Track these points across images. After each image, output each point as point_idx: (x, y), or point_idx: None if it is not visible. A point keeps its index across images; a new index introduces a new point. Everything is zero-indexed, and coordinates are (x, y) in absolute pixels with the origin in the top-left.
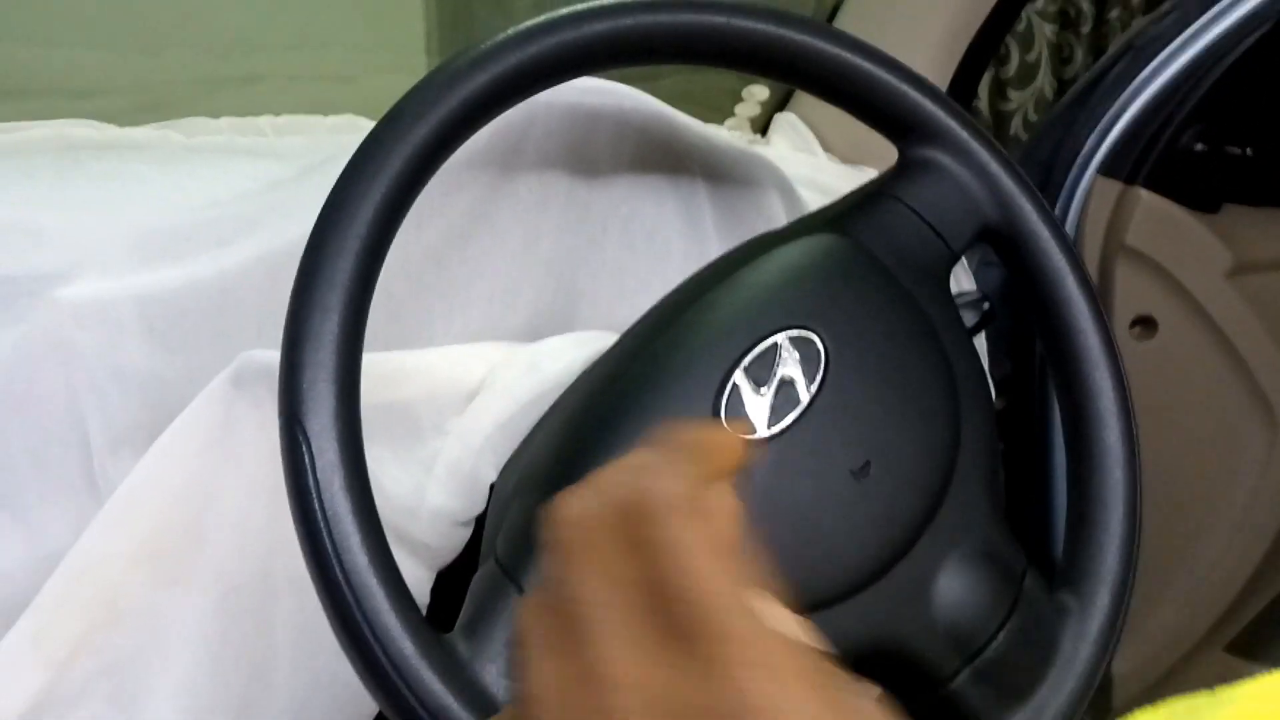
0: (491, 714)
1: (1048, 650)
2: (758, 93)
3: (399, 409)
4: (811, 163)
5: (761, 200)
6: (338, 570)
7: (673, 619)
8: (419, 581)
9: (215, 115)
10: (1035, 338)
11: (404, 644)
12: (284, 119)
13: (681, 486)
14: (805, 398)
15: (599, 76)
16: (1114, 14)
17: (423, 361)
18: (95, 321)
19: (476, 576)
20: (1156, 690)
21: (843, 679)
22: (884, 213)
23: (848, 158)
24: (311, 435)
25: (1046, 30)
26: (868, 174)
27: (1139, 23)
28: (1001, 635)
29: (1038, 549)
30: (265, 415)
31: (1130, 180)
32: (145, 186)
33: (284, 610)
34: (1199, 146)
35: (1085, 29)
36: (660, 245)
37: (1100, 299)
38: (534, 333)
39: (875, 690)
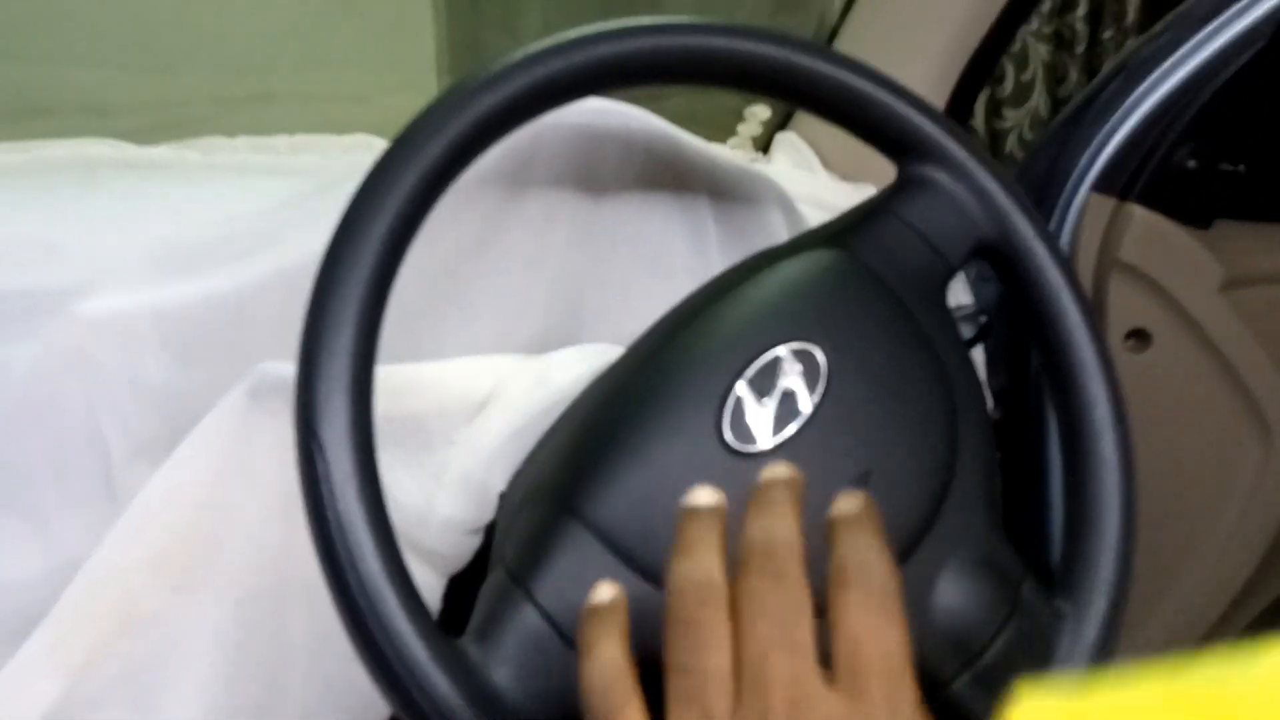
0: (501, 717)
1: (1044, 656)
2: (760, 112)
3: (411, 420)
4: (812, 180)
5: (764, 217)
6: (351, 577)
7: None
8: (431, 588)
9: (231, 134)
10: (1031, 350)
11: (416, 648)
12: (299, 138)
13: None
14: (807, 409)
15: (605, 97)
16: (1108, 35)
17: (434, 374)
18: (113, 335)
19: (486, 583)
20: None
21: None
22: (883, 229)
23: (848, 175)
24: (326, 446)
25: (1041, 51)
26: (867, 191)
27: (1132, 43)
28: (999, 641)
29: (1035, 557)
30: (281, 426)
31: (1124, 196)
32: (163, 203)
33: (299, 617)
34: (1191, 163)
35: (1079, 49)
36: (665, 261)
37: (1095, 313)
38: (542, 346)
39: None
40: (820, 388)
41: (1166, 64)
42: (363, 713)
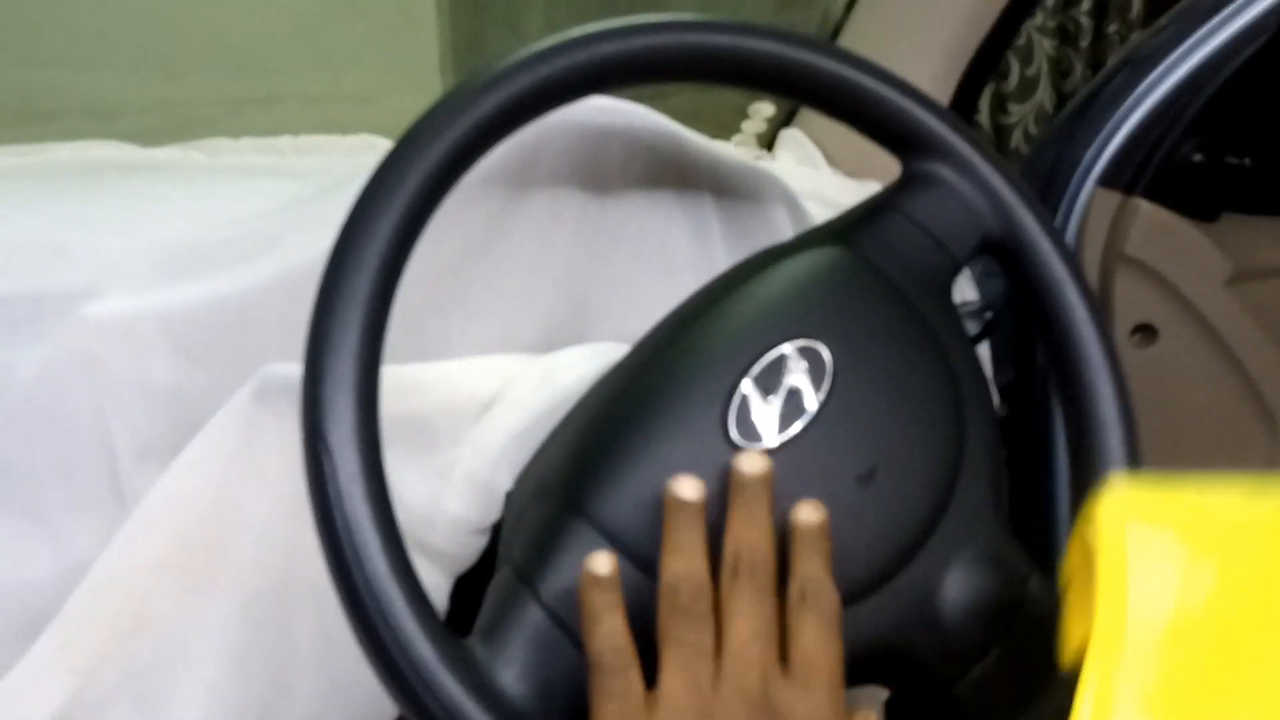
0: (507, 715)
1: (1052, 654)
2: (764, 109)
3: (417, 420)
4: (816, 177)
5: (768, 215)
6: (358, 577)
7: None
8: (437, 587)
9: (236, 136)
10: (1037, 346)
11: (423, 648)
12: (303, 139)
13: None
14: (812, 407)
15: (609, 95)
16: (1113, 28)
17: (440, 374)
18: (120, 337)
19: (493, 582)
20: None
21: None
22: (888, 225)
23: (852, 172)
24: (333, 446)
25: (1046, 45)
26: (872, 188)
27: (1137, 36)
28: (1006, 639)
29: (1041, 553)
30: (287, 427)
31: (1129, 191)
32: (169, 205)
33: (305, 617)
34: (1197, 157)
35: (1084, 44)
36: (670, 259)
37: (1101, 307)
38: (548, 345)
39: (882, 694)
40: (826, 385)
41: (1171, 58)
42: (369, 713)
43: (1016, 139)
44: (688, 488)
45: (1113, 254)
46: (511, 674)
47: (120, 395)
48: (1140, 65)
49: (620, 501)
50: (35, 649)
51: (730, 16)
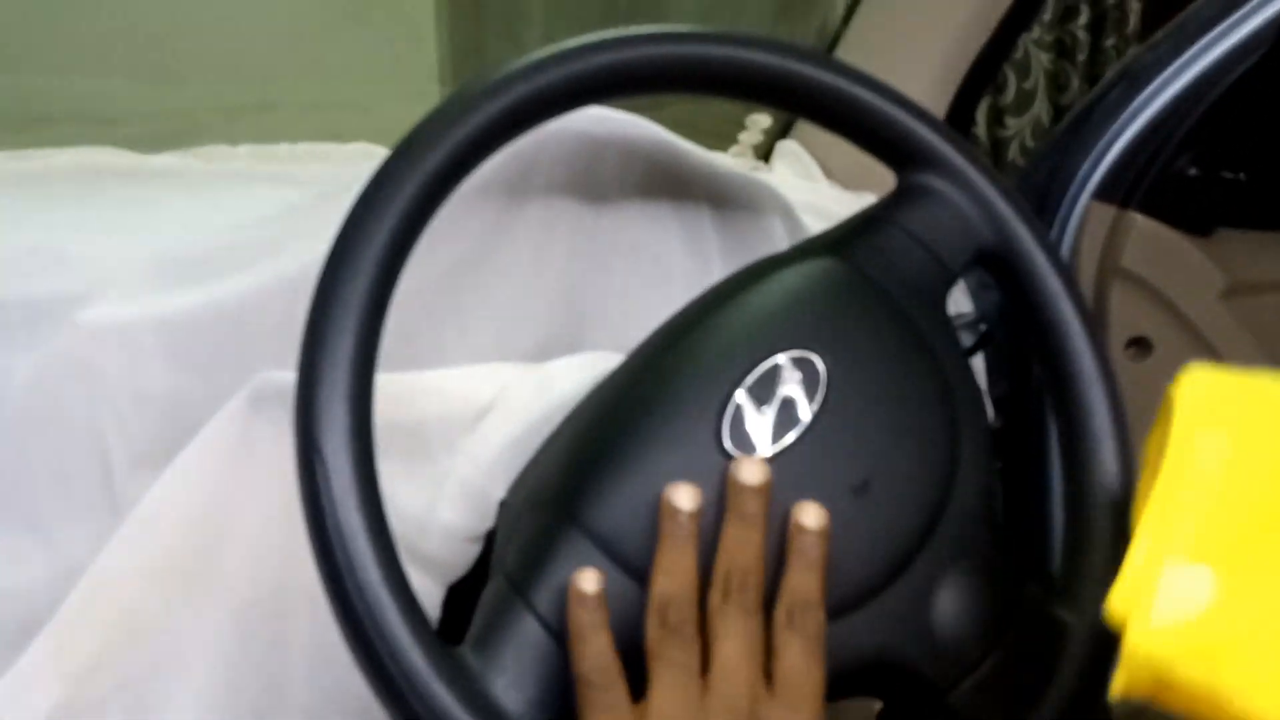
0: None
1: (1046, 664)
2: (760, 121)
3: (411, 428)
4: (813, 189)
5: (764, 225)
6: (351, 586)
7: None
8: (430, 596)
9: (234, 143)
10: (1032, 359)
11: (415, 657)
12: (301, 146)
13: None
14: (806, 417)
15: (606, 105)
16: (1110, 42)
17: (434, 382)
18: (115, 343)
19: (486, 591)
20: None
21: None
22: (883, 237)
23: (848, 184)
24: (326, 454)
25: (1043, 59)
26: (867, 200)
27: (1134, 50)
28: (999, 649)
29: (1035, 565)
30: (281, 434)
31: (1125, 204)
32: (165, 212)
33: (299, 625)
34: (1193, 171)
35: (1081, 57)
36: (665, 270)
37: (1095, 320)
38: (542, 354)
39: (875, 705)
40: (820, 396)
41: (1168, 72)
42: None
43: (1013, 152)
44: (684, 497)
45: (1108, 267)
46: (504, 683)
47: (115, 402)
48: (1136, 79)
49: (614, 511)
50: (27, 655)
51: (728, 27)
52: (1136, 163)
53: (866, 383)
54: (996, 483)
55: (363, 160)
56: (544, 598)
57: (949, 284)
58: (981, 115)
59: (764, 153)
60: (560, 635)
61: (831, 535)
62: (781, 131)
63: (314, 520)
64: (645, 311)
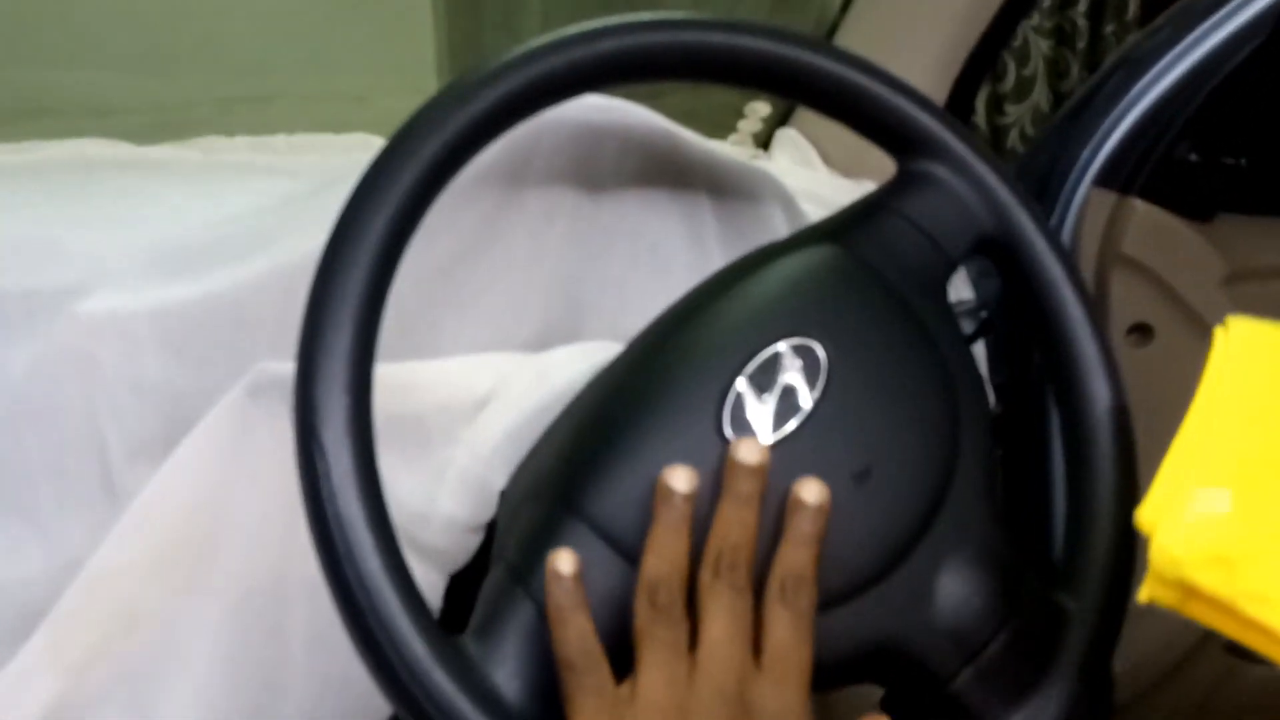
0: (501, 714)
1: (1047, 651)
2: (760, 109)
3: (411, 419)
4: (812, 177)
5: (764, 214)
6: (351, 575)
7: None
8: (431, 585)
9: (231, 134)
10: (1033, 346)
11: (416, 646)
12: (298, 138)
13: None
14: (807, 405)
15: (604, 94)
16: (1109, 29)
17: (434, 372)
18: (113, 335)
19: (487, 580)
20: (1156, 691)
21: None
22: (883, 225)
23: (848, 172)
24: (326, 444)
25: (1043, 46)
26: (867, 187)
27: (1134, 37)
28: (1001, 636)
29: (1036, 552)
30: (280, 425)
31: (1125, 191)
32: (162, 203)
33: (298, 616)
34: (1193, 157)
35: (1081, 44)
36: (664, 258)
37: (1096, 307)
38: (541, 344)
39: (875, 693)
40: (820, 384)
41: (1167, 58)
42: (362, 712)
43: (1013, 139)
44: (680, 479)
45: (1108, 254)
46: (505, 672)
47: (113, 393)
48: (1136, 65)
49: (614, 499)
50: (26, 648)
51: (726, 15)
52: (1137, 149)
53: (867, 370)
54: (997, 470)
55: (360, 151)
56: (545, 587)
57: (950, 271)
58: (981, 103)
59: (763, 141)
60: None
61: (831, 517)
62: (781, 119)
63: (314, 510)
64: (644, 300)
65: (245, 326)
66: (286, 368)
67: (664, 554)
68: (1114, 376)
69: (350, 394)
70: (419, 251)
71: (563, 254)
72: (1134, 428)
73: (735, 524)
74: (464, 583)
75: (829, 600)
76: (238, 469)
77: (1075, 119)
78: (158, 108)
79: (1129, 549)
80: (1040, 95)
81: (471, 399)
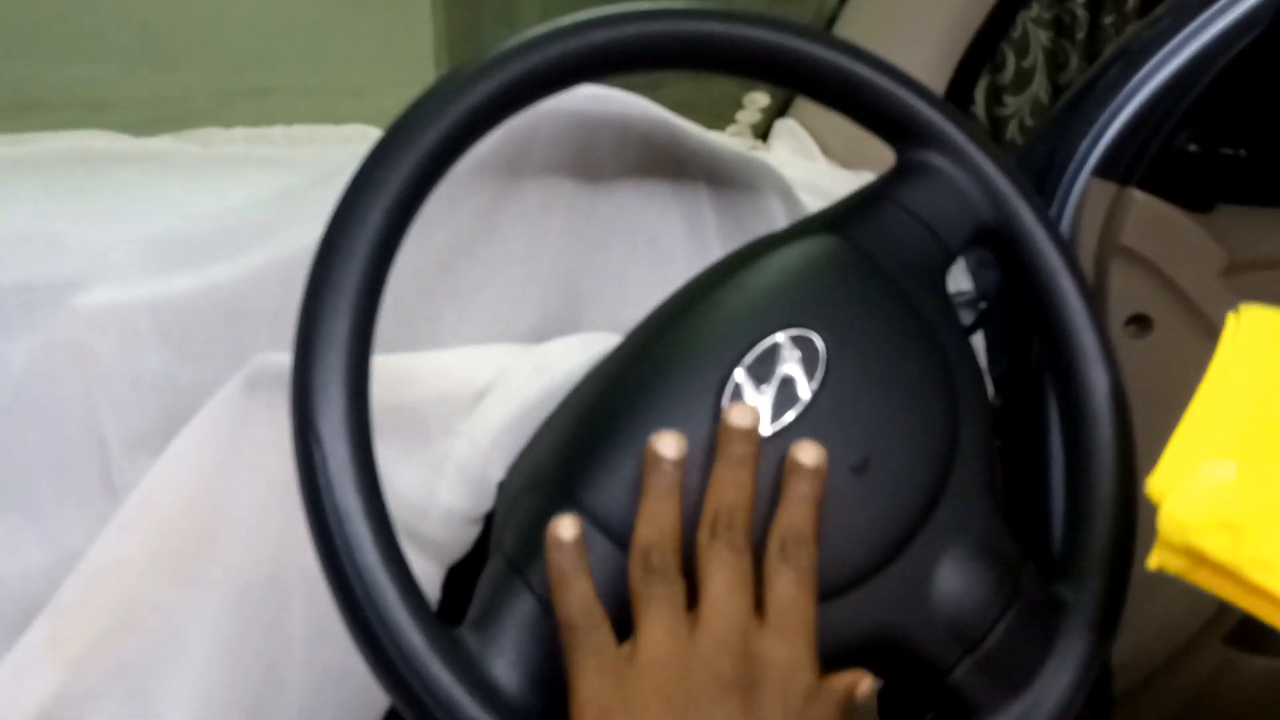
0: (499, 706)
1: (1046, 642)
2: (758, 99)
3: (409, 410)
4: (811, 167)
5: (762, 204)
6: (349, 567)
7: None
8: (429, 577)
9: (229, 127)
10: (1032, 337)
11: (414, 638)
12: (297, 129)
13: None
14: (806, 396)
15: (602, 84)
16: (1108, 20)
17: (432, 364)
18: (111, 328)
19: (485, 572)
20: (1155, 681)
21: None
22: (882, 215)
23: (847, 162)
24: (323, 436)
25: (1042, 37)
26: (866, 178)
27: (1133, 28)
28: (1000, 627)
29: (1035, 543)
30: (278, 417)
31: (1125, 182)
32: (161, 196)
33: (297, 608)
34: (1192, 148)
35: (1080, 35)
36: (663, 249)
37: (1095, 298)
38: (540, 335)
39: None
40: (819, 374)
41: (1167, 48)
42: (361, 704)
43: (1012, 130)
44: (668, 445)
45: (1108, 244)
46: (503, 664)
47: (111, 386)
48: (1136, 56)
49: (613, 490)
50: (24, 641)
51: (724, 4)
52: (1136, 140)
53: (866, 361)
54: (996, 461)
55: (358, 143)
56: (543, 578)
57: (949, 261)
58: (980, 94)
59: (762, 131)
60: None
61: (830, 509)
62: (780, 110)
63: (312, 502)
64: (643, 291)
65: (243, 319)
66: (285, 359)
67: (655, 520)
68: (1113, 366)
69: (348, 385)
70: (417, 244)
71: (561, 245)
72: (1133, 418)
73: (730, 485)
74: (462, 575)
75: (828, 591)
76: (236, 461)
77: (1074, 110)
78: (156, 101)
79: (1128, 540)
80: (1039, 86)
81: (470, 390)
